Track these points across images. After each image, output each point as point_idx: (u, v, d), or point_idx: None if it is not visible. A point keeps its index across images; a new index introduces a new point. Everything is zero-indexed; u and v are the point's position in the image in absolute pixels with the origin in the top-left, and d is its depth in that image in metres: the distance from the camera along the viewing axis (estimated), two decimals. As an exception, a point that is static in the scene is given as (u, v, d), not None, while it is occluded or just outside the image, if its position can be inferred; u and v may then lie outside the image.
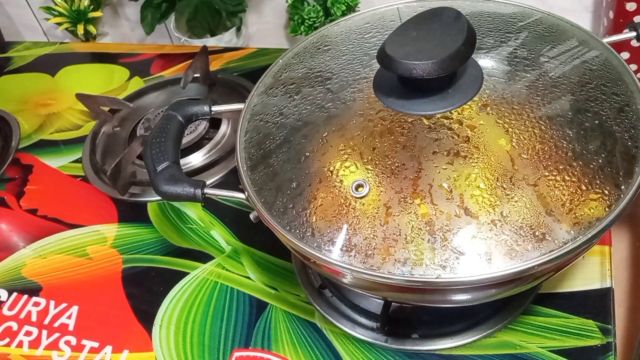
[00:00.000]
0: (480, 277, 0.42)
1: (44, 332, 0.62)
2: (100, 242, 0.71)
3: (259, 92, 0.57)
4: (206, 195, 0.48)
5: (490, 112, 0.49)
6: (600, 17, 0.82)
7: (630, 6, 0.71)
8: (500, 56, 0.52)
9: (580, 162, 0.51)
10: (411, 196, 0.51)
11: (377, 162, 0.53)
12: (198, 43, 1.04)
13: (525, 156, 0.50)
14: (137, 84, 0.95)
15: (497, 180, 0.48)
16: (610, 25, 0.76)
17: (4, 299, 0.66)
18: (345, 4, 0.90)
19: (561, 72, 0.52)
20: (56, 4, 1.15)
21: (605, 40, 0.53)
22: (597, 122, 0.50)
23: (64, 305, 0.64)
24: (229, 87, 0.88)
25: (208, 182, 0.49)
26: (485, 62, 0.51)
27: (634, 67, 0.77)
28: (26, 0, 1.27)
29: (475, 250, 0.44)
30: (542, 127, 0.51)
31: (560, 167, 0.50)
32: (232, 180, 0.74)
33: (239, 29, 1.07)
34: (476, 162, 0.50)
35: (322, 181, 0.57)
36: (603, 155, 0.48)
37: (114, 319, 0.62)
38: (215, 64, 0.94)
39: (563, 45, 0.53)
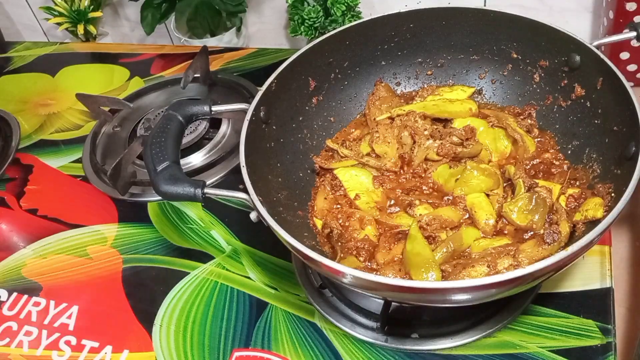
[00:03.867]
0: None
1: (44, 332, 0.62)
2: (100, 242, 0.71)
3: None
4: (206, 195, 0.48)
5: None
6: (600, 17, 0.82)
7: (630, 6, 0.71)
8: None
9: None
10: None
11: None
12: (198, 43, 1.04)
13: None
14: (137, 84, 0.95)
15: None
16: (610, 25, 0.76)
17: (4, 299, 0.66)
18: (345, 4, 0.90)
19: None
20: (56, 4, 1.15)
21: (605, 40, 0.53)
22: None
23: (64, 305, 0.64)
24: (229, 87, 0.88)
25: (208, 182, 0.49)
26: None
27: (634, 67, 0.77)
28: (26, 0, 1.27)
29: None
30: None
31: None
32: (232, 180, 0.74)
33: (239, 29, 1.07)
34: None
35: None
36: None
37: (114, 319, 0.62)
38: (215, 64, 0.94)
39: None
